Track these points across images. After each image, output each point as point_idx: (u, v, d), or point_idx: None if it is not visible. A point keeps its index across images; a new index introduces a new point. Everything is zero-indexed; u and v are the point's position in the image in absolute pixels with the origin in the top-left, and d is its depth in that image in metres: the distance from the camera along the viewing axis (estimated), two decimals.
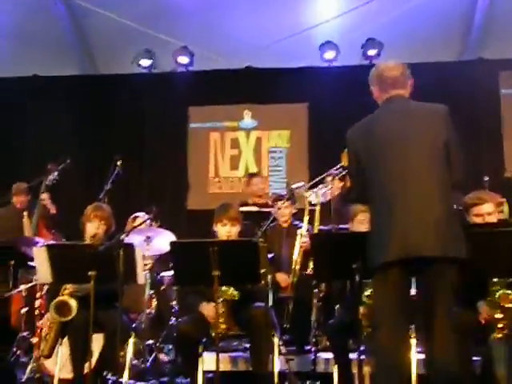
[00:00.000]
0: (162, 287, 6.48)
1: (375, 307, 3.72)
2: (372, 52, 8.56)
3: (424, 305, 3.58)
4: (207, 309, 4.64)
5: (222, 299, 4.53)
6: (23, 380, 5.45)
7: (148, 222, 5.80)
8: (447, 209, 3.55)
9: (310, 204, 5.67)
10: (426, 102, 3.83)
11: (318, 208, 5.66)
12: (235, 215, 4.89)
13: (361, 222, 4.95)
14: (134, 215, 6.44)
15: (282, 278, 5.95)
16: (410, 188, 3.54)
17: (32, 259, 5.59)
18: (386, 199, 3.58)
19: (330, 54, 8.65)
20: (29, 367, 5.64)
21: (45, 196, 6.87)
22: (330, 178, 5.82)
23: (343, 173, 5.72)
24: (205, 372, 4.84)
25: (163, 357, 6.20)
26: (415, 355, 4.46)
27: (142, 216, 6.27)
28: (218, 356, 4.27)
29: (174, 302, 6.30)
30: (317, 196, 5.66)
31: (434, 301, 3.51)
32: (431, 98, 3.87)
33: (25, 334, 6.16)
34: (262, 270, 4.35)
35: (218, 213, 4.91)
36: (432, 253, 3.44)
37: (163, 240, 5.79)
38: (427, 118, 3.69)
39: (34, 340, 5.81)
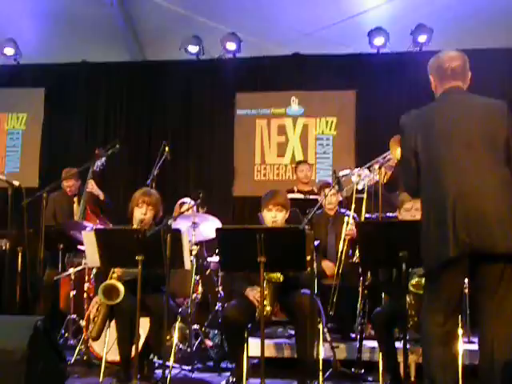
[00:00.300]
0: (208, 273, 6.53)
1: (427, 298, 3.67)
2: (422, 38, 8.40)
3: (482, 300, 3.53)
4: (252, 294, 4.66)
5: (267, 283, 4.54)
6: (71, 362, 5.56)
7: (194, 207, 5.83)
8: (509, 206, 3.45)
9: (357, 192, 5.63)
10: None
11: (364, 196, 5.62)
12: (282, 201, 4.88)
13: (407, 211, 4.90)
14: (180, 201, 6.49)
15: (328, 266, 5.93)
16: (472, 183, 3.45)
17: (81, 243, 5.70)
18: (444, 193, 3.48)
19: (379, 41, 8.51)
20: (77, 349, 5.77)
21: (91, 184, 6.94)
22: (377, 166, 5.78)
23: (391, 161, 5.68)
24: (249, 358, 4.88)
25: (208, 342, 6.25)
26: (462, 346, 4.44)
27: (188, 202, 6.31)
28: (262, 342, 4.29)
29: (220, 288, 6.34)
30: (364, 184, 5.62)
31: (494, 296, 3.45)
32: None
33: (73, 316, 6.29)
34: (308, 257, 4.34)
35: (265, 198, 4.91)
36: (495, 249, 3.37)
37: (209, 226, 5.84)
38: (488, 114, 3.59)
39: (83, 323, 5.93)
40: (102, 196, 7.04)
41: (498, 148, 3.51)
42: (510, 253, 3.37)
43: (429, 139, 3.61)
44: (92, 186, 6.94)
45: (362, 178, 5.56)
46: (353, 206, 5.63)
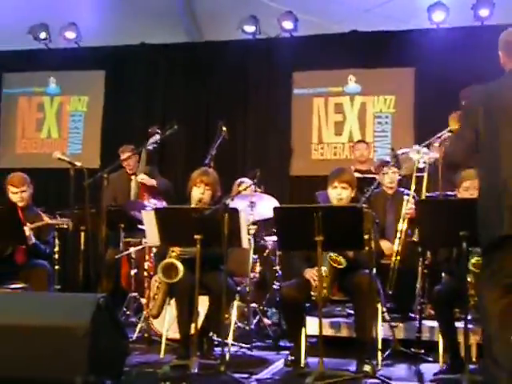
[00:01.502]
0: (266, 252, 6.56)
1: (483, 275, 3.62)
2: (484, 12, 8.16)
3: None
4: (310, 274, 4.66)
5: (328, 265, 4.54)
6: (133, 338, 5.68)
7: (252, 187, 5.85)
8: None
9: (417, 170, 5.55)
10: None
11: (425, 174, 5.54)
12: (348, 179, 4.86)
13: (466, 189, 4.83)
14: (238, 180, 6.51)
15: (386, 246, 5.87)
16: None
17: (140, 222, 5.79)
18: (499, 174, 3.44)
19: (438, 16, 8.30)
20: (138, 326, 5.88)
21: (142, 178, 7.06)
22: (437, 144, 5.68)
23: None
24: (308, 336, 4.90)
25: (267, 320, 6.30)
26: None
27: (246, 181, 6.33)
28: (320, 321, 4.30)
29: (278, 267, 6.37)
30: (424, 162, 5.53)
31: None
32: None
33: (134, 294, 6.41)
34: (366, 236, 4.32)
35: (331, 176, 4.90)
36: None
37: (267, 205, 5.84)
38: None
39: (143, 301, 6.04)
40: (155, 183, 7.14)
41: None
42: None
43: (491, 116, 3.54)
44: (142, 179, 7.05)
45: (422, 155, 5.46)
46: (413, 184, 5.56)
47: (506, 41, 3.69)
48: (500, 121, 3.51)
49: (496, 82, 3.65)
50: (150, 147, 7.00)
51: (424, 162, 5.51)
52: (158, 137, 6.91)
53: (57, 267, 6.34)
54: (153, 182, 7.14)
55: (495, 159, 3.49)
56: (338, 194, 4.80)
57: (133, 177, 7.28)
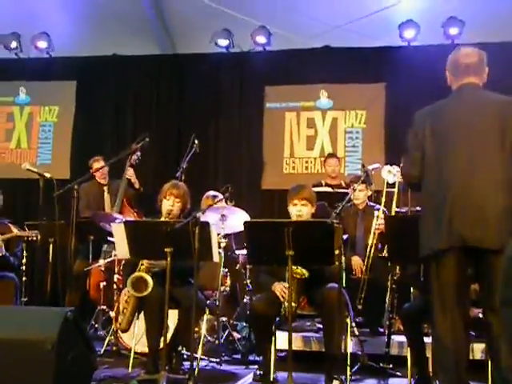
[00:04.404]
0: (237, 266, 6.55)
1: (432, 292, 3.69)
2: (453, 31, 8.28)
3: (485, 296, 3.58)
4: (279, 288, 4.66)
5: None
6: (101, 352, 5.61)
7: (223, 200, 5.85)
8: (507, 207, 3.48)
9: (388, 186, 5.59)
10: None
11: (395, 190, 5.58)
12: (306, 196, 4.87)
13: None
14: (207, 193, 6.49)
15: (357, 263, 5.91)
16: (473, 180, 3.51)
17: (110, 234, 5.75)
18: (445, 186, 3.55)
19: (409, 33, 8.42)
20: (106, 340, 5.82)
21: (131, 172, 7.01)
22: None
23: None
24: (277, 351, 4.89)
25: (236, 334, 6.28)
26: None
27: (215, 194, 6.32)
28: (290, 335, 4.29)
29: (248, 281, 6.36)
30: (393, 174, 5.57)
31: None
32: None
33: (103, 307, 6.35)
34: (337, 251, 4.33)
35: (290, 193, 4.93)
36: (489, 245, 3.43)
37: (238, 219, 5.84)
38: (500, 111, 3.61)
39: (112, 314, 5.99)
40: (137, 184, 7.11)
41: (506, 146, 3.53)
42: (501, 249, 3.36)
43: (436, 133, 3.67)
44: (131, 174, 7.01)
45: (393, 174, 5.51)
46: (383, 199, 5.60)
47: (451, 61, 3.84)
48: (445, 138, 3.63)
49: (442, 102, 3.80)
50: (134, 162, 7.02)
51: (395, 179, 5.55)
52: (139, 153, 6.93)
53: (24, 279, 6.27)
54: (137, 182, 7.12)
55: (440, 174, 3.60)
56: (298, 210, 4.82)
57: (105, 187, 7.23)
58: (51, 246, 6.06)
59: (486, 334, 3.63)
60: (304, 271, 4.57)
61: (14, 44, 9.26)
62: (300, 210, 4.81)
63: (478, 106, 3.66)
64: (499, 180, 3.50)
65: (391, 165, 5.64)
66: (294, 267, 4.51)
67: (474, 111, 3.63)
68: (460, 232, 3.46)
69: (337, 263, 4.39)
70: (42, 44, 9.26)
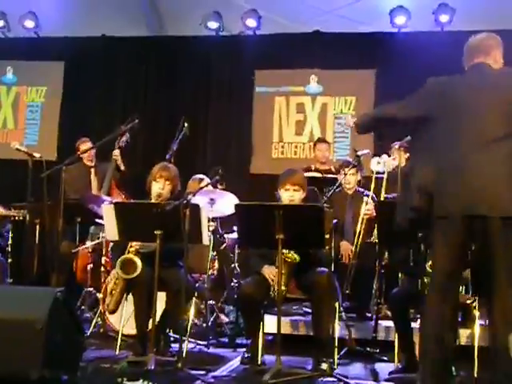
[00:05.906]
0: (224, 249, 6.54)
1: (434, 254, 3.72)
2: (444, 18, 8.29)
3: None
4: (268, 271, 4.67)
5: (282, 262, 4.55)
6: (88, 334, 5.59)
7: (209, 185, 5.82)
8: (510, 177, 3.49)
9: (377, 172, 5.61)
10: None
11: (385, 176, 5.60)
12: (299, 181, 4.85)
13: None
14: (195, 176, 6.46)
15: (345, 248, 5.92)
16: (479, 154, 3.50)
17: (99, 217, 5.72)
18: (451, 158, 3.56)
19: (400, 19, 8.41)
20: (93, 322, 5.81)
21: (117, 153, 6.96)
22: (396, 147, 5.77)
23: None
24: (265, 334, 4.90)
25: (224, 317, 6.29)
26: (477, 327, 4.45)
27: (202, 177, 6.29)
28: (279, 319, 4.30)
29: (236, 264, 6.36)
30: (383, 164, 5.60)
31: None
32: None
33: (90, 289, 6.32)
34: (327, 236, 4.34)
35: (281, 178, 4.89)
36: (498, 213, 3.43)
37: (226, 202, 5.83)
38: (504, 86, 3.63)
39: (100, 296, 5.97)
40: (122, 166, 7.06)
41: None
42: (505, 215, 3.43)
43: (446, 107, 3.68)
44: (117, 156, 6.96)
45: (382, 163, 5.55)
46: (372, 185, 5.62)
47: (465, 48, 3.89)
48: (453, 112, 3.64)
49: (455, 77, 3.81)
50: (122, 144, 6.96)
51: (382, 165, 5.58)
52: (128, 135, 6.89)
53: (10, 260, 6.23)
54: (122, 164, 7.08)
55: (448, 146, 3.60)
56: (290, 196, 4.79)
57: (92, 170, 7.18)
58: (38, 226, 6.01)
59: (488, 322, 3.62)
60: (296, 256, 4.57)
61: (1, 23, 9.19)
62: (292, 195, 4.78)
63: (484, 84, 3.68)
64: (504, 153, 3.50)
65: (379, 156, 5.68)
66: (286, 252, 4.52)
67: (479, 88, 3.65)
68: (471, 201, 3.46)
69: (327, 247, 4.40)
70: (30, 24, 9.18)
